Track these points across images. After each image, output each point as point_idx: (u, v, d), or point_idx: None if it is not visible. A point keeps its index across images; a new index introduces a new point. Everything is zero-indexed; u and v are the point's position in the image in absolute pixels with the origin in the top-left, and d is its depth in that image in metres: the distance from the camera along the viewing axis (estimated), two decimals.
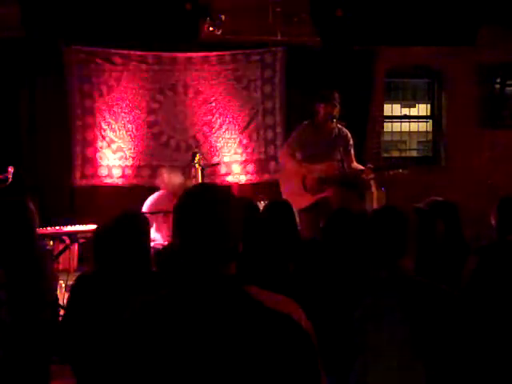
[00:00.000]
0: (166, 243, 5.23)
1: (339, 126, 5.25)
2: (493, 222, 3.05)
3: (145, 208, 5.56)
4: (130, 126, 7.39)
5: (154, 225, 5.17)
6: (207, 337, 1.33)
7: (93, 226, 5.64)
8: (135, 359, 1.37)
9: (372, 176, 5.26)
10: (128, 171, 7.42)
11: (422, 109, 8.48)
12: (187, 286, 1.41)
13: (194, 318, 1.36)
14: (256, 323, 1.34)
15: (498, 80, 8.00)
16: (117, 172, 7.40)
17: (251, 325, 1.34)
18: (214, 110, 7.53)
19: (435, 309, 1.98)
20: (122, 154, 7.39)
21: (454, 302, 2.02)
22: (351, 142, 5.38)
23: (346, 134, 5.35)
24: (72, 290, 2.68)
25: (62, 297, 4.22)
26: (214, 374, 1.31)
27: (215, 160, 7.41)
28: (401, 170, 5.19)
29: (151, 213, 5.13)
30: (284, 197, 5.46)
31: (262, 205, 6.85)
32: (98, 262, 2.67)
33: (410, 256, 2.12)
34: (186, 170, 6.48)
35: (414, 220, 2.21)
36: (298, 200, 5.03)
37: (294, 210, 5.32)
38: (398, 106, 8.45)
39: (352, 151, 5.41)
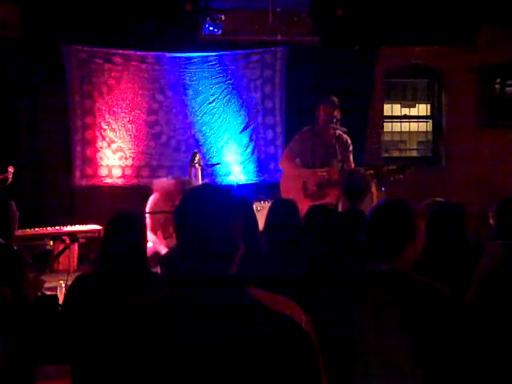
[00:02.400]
0: (166, 245, 5.23)
1: (339, 132, 5.27)
2: (491, 221, 3.06)
3: (148, 208, 5.56)
4: (129, 125, 7.39)
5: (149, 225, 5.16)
6: (208, 338, 1.33)
7: (93, 226, 5.66)
8: (135, 361, 1.37)
9: (373, 181, 5.29)
10: (128, 171, 7.42)
11: (422, 109, 8.48)
12: (188, 287, 1.41)
13: (195, 320, 1.36)
14: (257, 324, 1.34)
15: (498, 80, 8.00)
16: (117, 172, 7.39)
17: (252, 326, 1.34)
18: (214, 110, 7.53)
19: (433, 310, 1.96)
20: (121, 153, 7.39)
21: (450, 302, 1.99)
22: (351, 148, 5.41)
23: (346, 140, 5.38)
24: (69, 290, 2.68)
25: (62, 297, 4.22)
26: (215, 376, 1.31)
27: (215, 160, 7.41)
28: (402, 177, 5.22)
29: (151, 213, 5.12)
30: None
31: (262, 205, 6.92)
32: (97, 262, 2.68)
33: (410, 252, 2.07)
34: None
35: (415, 212, 2.16)
36: (299, 205, 5.04)
37: None
38: (398, 106, 8.44)
39: (351, 157, 5.43)
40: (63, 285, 4.85)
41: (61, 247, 5.70)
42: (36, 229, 5.64)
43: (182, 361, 1.33)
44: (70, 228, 5.54)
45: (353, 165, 5.44)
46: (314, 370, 1.37)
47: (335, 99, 5.23)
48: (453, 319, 1.97)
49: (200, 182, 5.68)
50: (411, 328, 1.93)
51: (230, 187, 7.03)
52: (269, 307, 1.37)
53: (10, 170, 5.95)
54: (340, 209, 4.79)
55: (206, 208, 1.42)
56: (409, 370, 1.92)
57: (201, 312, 1.36)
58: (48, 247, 5.84)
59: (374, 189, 5.60)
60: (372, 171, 5.33)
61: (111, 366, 1.40)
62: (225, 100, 7.54)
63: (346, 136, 5.37)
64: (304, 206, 5.12)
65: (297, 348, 1.34)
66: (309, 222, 3.13)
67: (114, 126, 7.35)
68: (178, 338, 1.34)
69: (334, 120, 5.20)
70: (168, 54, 7.41)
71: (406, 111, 8.49)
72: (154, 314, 1.40)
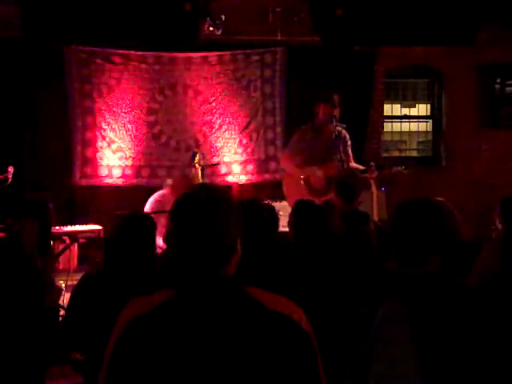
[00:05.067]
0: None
1: (339, 128, 5.28)
2: (499, 225, 3.04)
3: (147, 208, 5.56)
4: (129, 125, 7.39)
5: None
6: (208, 339, 1.33)
7: (93, 226, 5.66)
8: (137, 362, 1.37)
9: (376, 174, 5.29)
10: (128, 171, 7.42)
11: (422, 109, 8.48)
12: (187, 288, 1.41)
13: (194, 320, 1.36)
14: (256, 324, 1.34)
15: (498, 80, 8.00)
16: (117, 172, 7.40)
17: (252, 326, 1.34)
18: (214, 110, 7.54)
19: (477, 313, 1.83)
20: (122, 153, 7.39)
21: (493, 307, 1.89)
22: (349, 142, 5.43)
23: (345, 135, 5.39)
24: (76, 289, 2.68)
25: (62, 297, 4.22)
26: (215, 376, 1.31)
27: (215, 160, 7.41)
28: (402, 167, 5.23)
29: (153, 213, 5.12)
30: (288, 200, 5.46)
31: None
32: (106, 262, 2.68)
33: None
34: (186, 170, 6.49)
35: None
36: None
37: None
38: (398, 106, 8.45)
39: (350, 151, 5.45)
40: (63, 285, 4.86)
41: (61, 247, 5.70)
42: None
43: (183, 361, 1.33)
44: (70, 228, 5.54)
45: (352, 159, 5.45)
46: (313, 371, 1.37)
47: (336, 97, 5.23)
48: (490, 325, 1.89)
49: (200, 181, 5.68)
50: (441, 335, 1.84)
51: (227, 188, 7.04)
52: (268, 307, 1.37)
53: (9, 170, 5.94)
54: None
55: (202, 209, 1.42)
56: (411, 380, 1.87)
57: (200, 313, 1.36)
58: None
59: (373, 188, 5.61)
60: (373, 164, 5.34)
61: (118, 365, 1.40)
62: (225, 100, 7.54)
63: (344, 132, 5.39)
64: None
65: (296, 348, 1.34)
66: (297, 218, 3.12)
67: (114, 125, 7.35)
68: (178, 338, 1.35)
69: (334, 119, 5.20)
70: (168, 54, 7.42)
71: (406, 111, 8.50)
72: (156, 317, 1.39)
